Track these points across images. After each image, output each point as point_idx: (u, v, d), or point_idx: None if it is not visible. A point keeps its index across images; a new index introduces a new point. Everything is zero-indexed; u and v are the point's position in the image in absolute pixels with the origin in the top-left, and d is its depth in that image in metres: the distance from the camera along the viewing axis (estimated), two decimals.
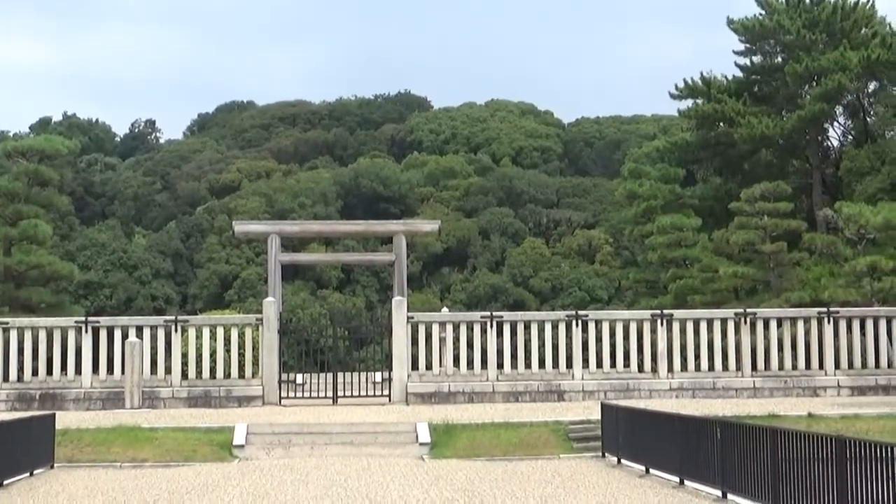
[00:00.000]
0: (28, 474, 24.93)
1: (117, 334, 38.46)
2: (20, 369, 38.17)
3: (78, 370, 38.16)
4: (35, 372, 38.36)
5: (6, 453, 23.72)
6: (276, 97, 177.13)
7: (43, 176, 55.01)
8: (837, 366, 39.48)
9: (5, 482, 23.49)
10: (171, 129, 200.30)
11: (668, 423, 23.51)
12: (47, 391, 37.65)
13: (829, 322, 39.64)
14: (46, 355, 38.61)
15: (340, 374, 38.96)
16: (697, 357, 39.37)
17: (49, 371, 38.67)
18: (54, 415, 28.44)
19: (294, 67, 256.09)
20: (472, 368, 38.87)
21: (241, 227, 47.67)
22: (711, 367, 39.20)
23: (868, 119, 63.26)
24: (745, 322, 39.47)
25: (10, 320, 39.50)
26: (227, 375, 38.36)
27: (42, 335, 38.63)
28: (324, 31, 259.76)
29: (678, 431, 22.56)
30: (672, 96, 65.89)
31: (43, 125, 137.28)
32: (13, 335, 38.33)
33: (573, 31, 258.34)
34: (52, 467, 26.48)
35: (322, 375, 39.54)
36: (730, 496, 19.98)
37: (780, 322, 39.93)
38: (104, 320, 40.55)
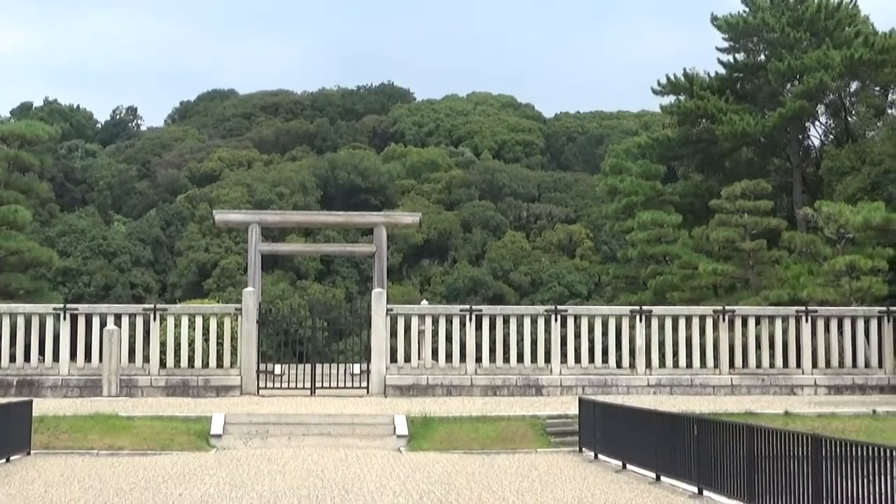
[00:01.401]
0: (4, 461, 24.91)
1: (95, 322, 38.38)
2: None
3: (56, 357, 38.08)
4: (13, 358, 38.27)
5: None
6: (258, 86, 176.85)
7: (23, 161, 54.84)
8: (815, 364, 39.67)
9: None
10: (153, 116, 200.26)
11: (645, 419, 23.61)
12: (25, 378, 37.56)
13: (807, 321, 39.83)
14: (24, 342, 38.52)
15: (319, 366, 38.97)
16: (676, 354, 39.47)
17: (27, 358, 38.60)
18: (31, 401, 28.39)
19: (277, 57, 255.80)
20: (451, 362, 38.93)
21: (221, 216, 47.65)
22: (690, 364, 39.33)
23: (849, 119, 63.43)
24: (724, 319, 39.61)
25: None
26: (206, 365, 38.33)
27: (20, 321, 38.55)
28: (307, 21, 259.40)
29: (655, 427, 22.66)
30: (654, 92, 65.95)
31: (24, 110, 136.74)
32: None
33: (556, 25, 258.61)
34: (28, 454, 26.45)
35: (300, 366, 39.56)
36: (706, 493, 20.08)
37: (758, 320, 40.10)
38: (82, 307, 40.44)
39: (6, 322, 38.28)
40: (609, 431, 25.46)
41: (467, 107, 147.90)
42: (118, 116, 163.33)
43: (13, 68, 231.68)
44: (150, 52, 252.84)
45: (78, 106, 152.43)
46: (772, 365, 39.79)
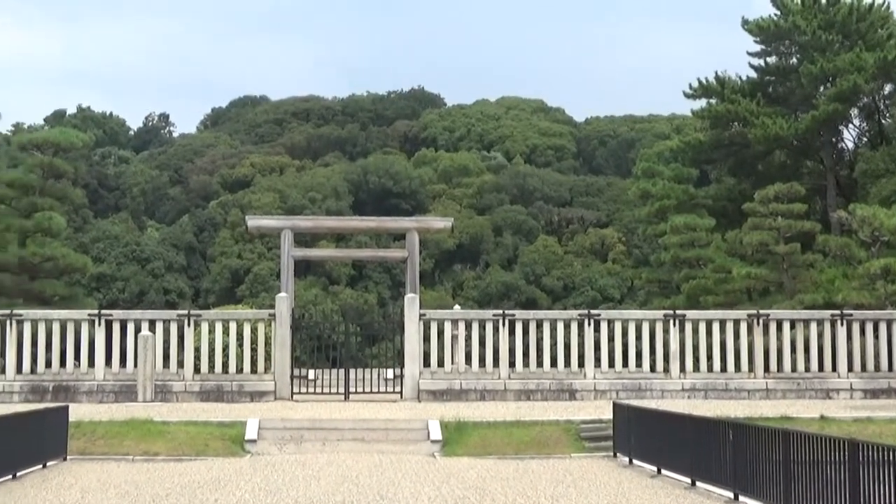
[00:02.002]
0: (41, 466, 25.02)
1: (130, 327, 38.54)
2: (34, 361, 38.26)
3: (91, 363, 38.25)
4: (48, 364, 38.46)
5: (20, 445, 23.82)
6: (289, 92, 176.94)
7: (57, 168, 55.17)
8: (850, 368, 39.41)
9: (18, 474, 23.59)
10: (185, 123, 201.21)
11: (680, 424, 23.50)
12: (60, 383, 37.76)
13: (842, 324, 39.57)
14: (60, 347, 38.72)
15: (352, 371, 39.02)
16: (710, 358, 39.29)
17: (62, 363, 38.79)
18: (67, 407, 28.51)
19: (307, 63, 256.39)
20: (484, 366, 38.87)
21: (254, 221, 47.76)
22: (724, 369, 39.15)
23: (883, 121, 63.07)
24: (758, 323, 39.42)
25: (24, 312, 39.57)
26: (240, 370, 38.43)
27: (56, 327, 38.75)
28: (337, 27, 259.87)
29: (690, 432, 22.55)
30: (686, 96, 65.78)
31: (57, 118, 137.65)
32: (27, 327, 38.41)
33: (586, 29, 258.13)
34: (64, 459, 26.56)
35: (334, 371, 39.59)
36: (741, 498, 19.97)
37: (793, 324, 39.86)
38: (117, 313, 40.67)
39: (42, 328, 38.48)
40: (643, 436, 25.36)
41: (498, 111, 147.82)
42: (151, 123, 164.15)
43: (46, 76, 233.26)
44: (181, 59, 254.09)
45: (111, 113, 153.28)
46: (807, 369, 39.56)
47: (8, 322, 38.25)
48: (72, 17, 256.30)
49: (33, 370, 38.23)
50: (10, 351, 38.03)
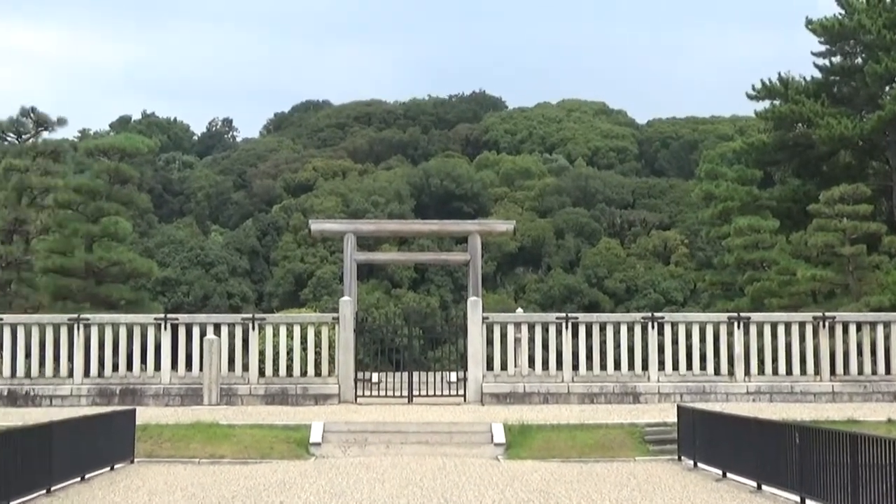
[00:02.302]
0: (109, 468, 25.31)
1: (195, 331, 38.85)
2: (101, 365, 38.64)
3: (157, 366, 38.57)
4: (115, 367, 38.80)
5: (88, 448, 24.12)
6: (351, 97, 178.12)
7: (123, 174, 55.61)
8: None
9: (87, 476, 23.88)
10: (248, 128, 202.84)
11: (745, 427, 23.35)
12: (127, 386, 38.12)
13: None
14: (126, 351, 39.06)
15: (415, 374, 39.09)
16: (775, 361, 39.00)
17: (129, 367, 39.13)
18: (134, 410, 28.81)
19: (369, 67, 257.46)
20: (548, 369, 38.82)
21: (317, 225, 47.95)
22: (789, 371, 38.84)
23: None
24: (824, 326, 39.05)
25: (91, 316, 39.94)
26: (304, 373, 38.62)
27: (122, 331, 39.09)
28: (398, 31, 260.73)
29: (756, 436, 22.41)
30: (749, 97, 65.22)
31: (122, 123, 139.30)
32: (94, 331, 38.80)
33: (645, 31, 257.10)
34: (132, 462, 26.84)
35: (397, 374, 39.66)
36: (808, 502, 19.81)
37: (859, 326, 39.45)
38: (182, 317, 40.98)
39: (109, 332, 38.84)
40: (708, 439, 25.24)
41: (559, 114, 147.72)
42: (214, 128, 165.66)
43: (112, 82, 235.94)
44: (244, 64, 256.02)
45: (175, 118, 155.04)
46: (874, 371, 39.12)
47: (76, 326, 38.68)
48: (136, 23, 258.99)
49: (100, 374, 38.59)
50: (78, 355, 38.42)
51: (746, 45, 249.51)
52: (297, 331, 39.01)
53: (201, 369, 37.81)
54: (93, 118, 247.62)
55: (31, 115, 57.98)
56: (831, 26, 62.35)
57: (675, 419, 28.19)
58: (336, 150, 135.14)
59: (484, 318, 38.87)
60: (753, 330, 39.21)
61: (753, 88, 64.86)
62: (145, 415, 31.37)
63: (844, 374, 38.84)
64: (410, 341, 40.19)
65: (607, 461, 27.23)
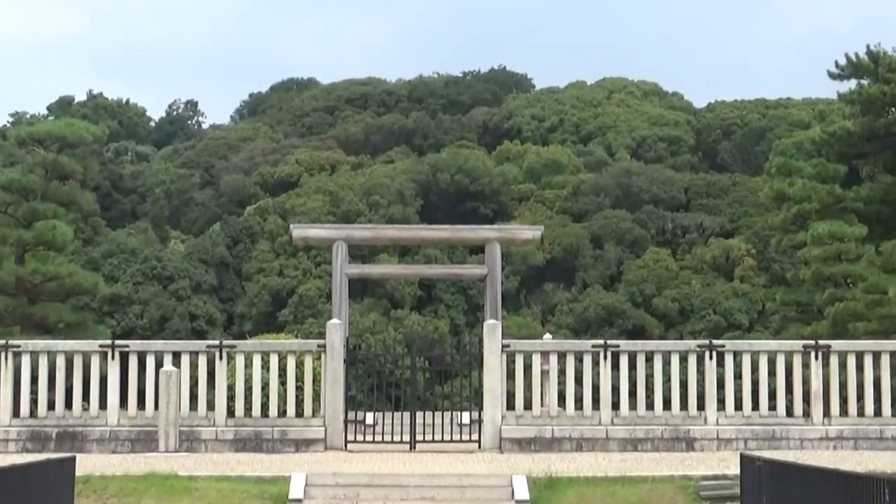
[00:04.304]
0: None
1: (150, 361, 38.79)
2: (34, 402, 38.62)
3: (103, 404, 38.51)
4: (52, 406, 38.78)
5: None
6: (343, 74, 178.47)
7: (63, 168, 55.78)
8: None
9: None
10: (216, 112, 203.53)
11: (824, 481, 23.30)
12: (66, 429, 38.08)
13: None
14: (65, 385, 39.02)
15: (419, 414, 39.05)
16: (861, 399, 38.92)
17: (68, 405, 39.08)
18: (74, 458, 28.72)
19: (365, 38, 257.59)
20: (582, 409, 38.79)
21: (299, 231, 47.96)
22: (878, 412, 38.77)
23: None
24: None
25: (22, 343, 39.89)
26: (283, 413, 38.58)
27: (60, 361, 39.03)
28: None
29: (837, 491, 22.36)
30: (831, 76, 65.35)
31: (63, 106, 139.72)
32: (26, 361, 38.71)
33: None
34: None
35: (397, 415, 39.65)
36: None
37: None
38: (134, 344, 40.95)
39: (43, 362, 38.79)
40: (779, 495, 25.21)
41: (598, 96, 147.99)
42: (175, 113, 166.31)
43: (51, 56, 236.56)
44: (213, 35, 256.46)
45: (127, 100, 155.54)
46: None
47: (3, 355, 38.61)
48: None
49: (33, 413, 38.58)
50: (5, 390, 38.32)
51: (828, 12, 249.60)
52: (274, 361, 38.95)
53: (156, 408, 37.76)
54: (28, 99, 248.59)
55: None
56: None
57: (738, 471, 28.16)
58: (324, 139, 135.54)
59: (504, 346, 38.83)
60: (835, 361, 39.13)
61: (836, 65, 64.95)
62: (88, 464, 31.33)
63: None
64: (414, 374, 40.17)
65: None
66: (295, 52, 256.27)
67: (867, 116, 64.19)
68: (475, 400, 39.54)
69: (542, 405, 39.09)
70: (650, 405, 38.82)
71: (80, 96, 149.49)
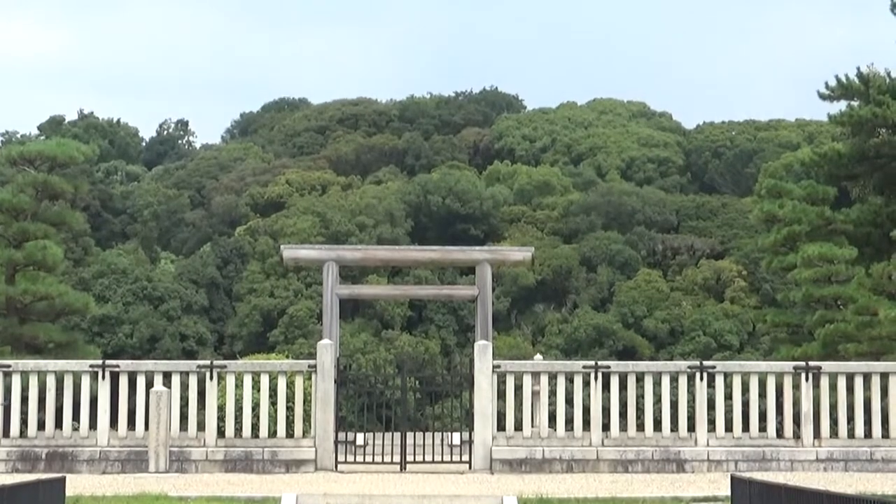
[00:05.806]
0: None
1: (140, 381, 38.72)
2: (24, 422, 38.52)
3: (93, 424, 38.45)
4: (41, 426, 38.70)
5: None
6: (334, 94, 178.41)
7: (53, 188, 55.64)
8: None
9: None
10: (207, 132, 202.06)
11: (814, 503, 23.30)
12: (55, 450, 37.99)
13: None
14: (55, 406, 38.95)
15: (410, 435, 39.01)
16: (851, 420, 38.93)
17: (58, 425, 39.00)
18: (64, 479, 28.59)
19: (357, 59, 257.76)
20: (572, 430, 38.75)
21: (290, 252, 47.92)
22: (869, 434, 38.77)
23: None
24: None
25: (12, 363, 39.79)
26: (273, 434, 38.52)
27: (50, 381, 38.96)
28: (393, 16, 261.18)
29: None
30: (821, 97, 65.28)
31: (54, 126, 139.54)
32: (16, 381, 38.65)
33: (695, 18, 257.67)
34: None
35: (388, 435, 39.60)
36: None
37: None
38: (124, 364, 40.83)
39: (33, 382, 38.73)
40: None
41: (589, 117, 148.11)
42: (166, 132, 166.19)
43: (42, 75, 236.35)
44: (204, 54, 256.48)
45: (118, 120, 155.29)
46: None
47: None
48: (73, 7, 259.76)
49: (23, 433, 38.49)
50: None
51: (818, 33, 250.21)
52: (264, 381, 38.91)
53: (147, 428, 37.70)
54: (19, 119, 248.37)
55: None
56: None
57: (729, 493, 28.13)
58: (315, 159, 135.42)
59: (495, 367, 38.81)
60: (825, 382, 39.17)
61: (826, 86, 64.90)
62: (78, 484, 31.25)
63: None
64: (404, 395, 40.12)
65: None
66: (286, 72, 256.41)
67: (857, 138, 64.10)
68: (466, 420, 39.55)
69: (532, 426, 39.10)
70: (640, 426, 38.83)
71: (72, 116, 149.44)
